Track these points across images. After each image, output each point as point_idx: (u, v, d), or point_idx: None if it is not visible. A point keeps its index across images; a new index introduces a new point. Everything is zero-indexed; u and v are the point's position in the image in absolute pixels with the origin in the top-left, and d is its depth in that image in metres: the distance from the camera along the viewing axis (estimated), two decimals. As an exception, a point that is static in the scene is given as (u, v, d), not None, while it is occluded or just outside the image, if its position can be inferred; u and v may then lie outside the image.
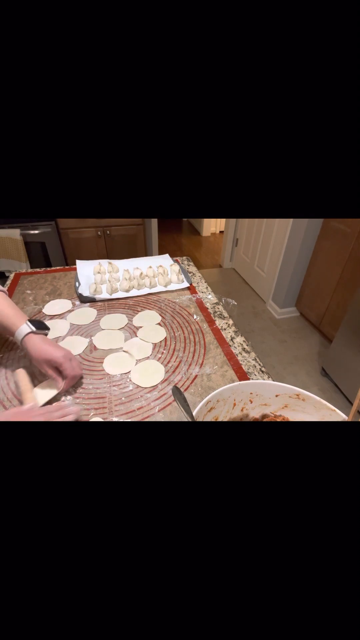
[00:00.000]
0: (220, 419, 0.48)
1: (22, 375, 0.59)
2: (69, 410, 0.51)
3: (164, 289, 0.92)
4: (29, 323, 0.58)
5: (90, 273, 0.97)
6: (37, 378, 0.62)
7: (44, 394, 0.57)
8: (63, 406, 0.52)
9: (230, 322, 0.81)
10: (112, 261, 1.01)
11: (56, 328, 0.76)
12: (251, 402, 0.49)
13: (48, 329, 0.62)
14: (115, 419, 0.55)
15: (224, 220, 3.44)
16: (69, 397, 0.59)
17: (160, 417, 0.55)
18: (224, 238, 2.95)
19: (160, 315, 0.82)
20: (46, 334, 0.61)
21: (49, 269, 1.04)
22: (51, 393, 0.57)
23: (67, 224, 1.94)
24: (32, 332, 0.58)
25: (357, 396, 0.37)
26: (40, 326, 0.60)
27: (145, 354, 0.69)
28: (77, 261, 1.01)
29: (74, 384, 0.61)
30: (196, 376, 0.64)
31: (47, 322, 0.77)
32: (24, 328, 0.58)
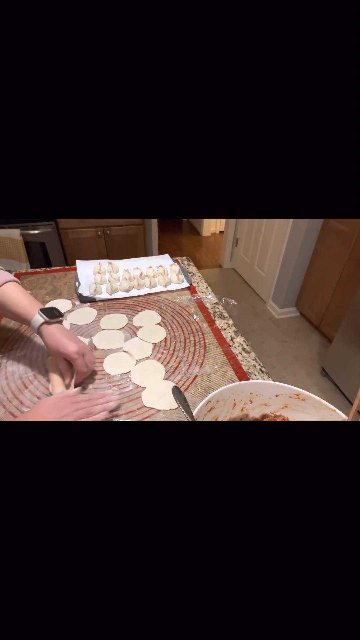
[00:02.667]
0: (220, 419, 0.48)
1: (52, 363, 0.61)
2: (111, 397, 0.54)
3: (164, 289, 0.92)
4: (41, 313, 0.58)
5: (90, 273, 0.97)
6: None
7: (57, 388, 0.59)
8: (106, 394, 0.54)
9: (230, 322, 0.81)
10: (112, 261, 1.01)
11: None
12: (251, 402, 0.49)
13: (62, 315, 0.61)
14: (115, 419, 0.55)
15: (224, 220, 3.44)
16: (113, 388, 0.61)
17: (160, 417, 0.55)
18: (224, 238, 2.95)
19: (160, 315, 0.82)
20: (60, 322, 0.60)
21: (49, 269, 1.04)
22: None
23: (67, 224, 1.94)
24: (46, 322, 0.58)
25: (357, 396, 0.37)
26: (53, 314, 0.59)
27: (145, 354, 0.69)
28: (77, 261, 1.01)
29: (86, 379, 0.61)
30: (196, 376, 0.64)
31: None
32: (37, 318, 0.57)
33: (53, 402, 0.49)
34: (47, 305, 0.83)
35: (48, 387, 0.60)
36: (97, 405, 0.51)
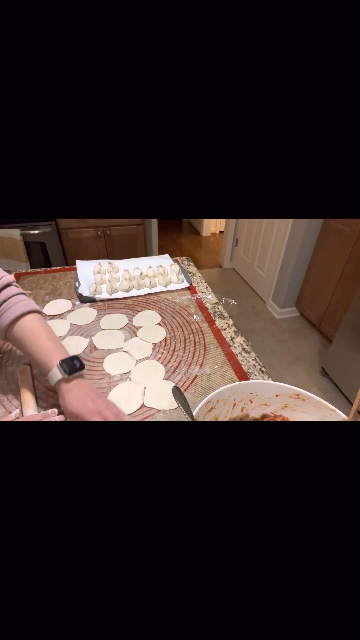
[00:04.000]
0: (220, 419, 0.48)
1: (23, 379, 0.58)
2: (55, 419, 0.49)
3: (164, 289, 0.92)
4: (59, 367, 0.49)
5: (90, 273, 0.97)
6: (37, 378, 0.62)
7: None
8: (49, 415, 0.49)
9: (230, 322, 0.81)
10: (112, 261, 1.01)
11: (56, 328, 0.76)
12: (251, 402, 0.49)
13: (83, 366, 0.51)
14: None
15: (224, 220, 3.44)
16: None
17: (160, 417, 0.55)
18: (224, 238, 2.95)
19: (160, 315, 0.82)
20: (81, 375, 0.52)
21: (49, 269, 1.04)
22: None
23: (67, 224, 1.94)
24: (64, 379, 0.49)
25: (357, 396, 0.37)
26: (73, 367, 0.50)
27: (145, 354, 0.69)
28: (77, 261, 1.01)
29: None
30: (196, 376, 0.64)
31: (47, 323, 0.76)
32: (55, 373, 0.49)
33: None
34: (45, 310, 0.77)
35: (25, 401, 0.54)
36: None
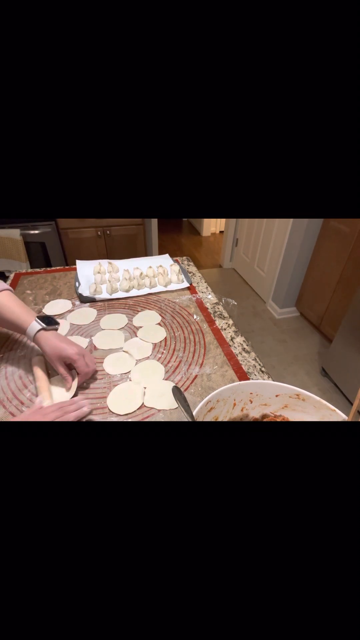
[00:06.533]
0: (220, 419, 0.48)
1: (38, 364, 0.61)
2: (81, 403, 0.53)
3: (164, 289, 0.92)
4: (38, 320, 0.59)
5: (90, 273, 0.97)
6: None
7: (59, 395, 0.58)
8: (76, 400, 0.53)
9: (230, 322, 0.81)
10: (112, 261, 1.01)
11: (56, 328, 0.76)
12: (251, 402, 0.49)
13: (57, 323, 0.62)
14: (115, 419, 0.55)
15: (224, 220, 3.44)
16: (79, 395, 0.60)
17: (160, 417, 0.55)
18: (224, 238, 2.95)
19: (160, 315, 0.82)
20: (56, 329, 0.61)
21: (49, 269, 1.04)
22: (67, 395, 0.58)
23: (67, 224, 1.94)
24: (43, 329, 0.58)
25: (357, 396, 0.37)
26: (50, 322, 0.60)
27: (145, 354, 0.69)
28: (77, 261, 1.01)
29: (88, 379, 0.61)
30: (196, 376, 0.64)
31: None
32: (34, 325, 0.58)
33: (23, 418, 0.50)
34: (44, 310, 0.83)
35: (42, 389, 0.59)
36: (70, 413, 0.50)
